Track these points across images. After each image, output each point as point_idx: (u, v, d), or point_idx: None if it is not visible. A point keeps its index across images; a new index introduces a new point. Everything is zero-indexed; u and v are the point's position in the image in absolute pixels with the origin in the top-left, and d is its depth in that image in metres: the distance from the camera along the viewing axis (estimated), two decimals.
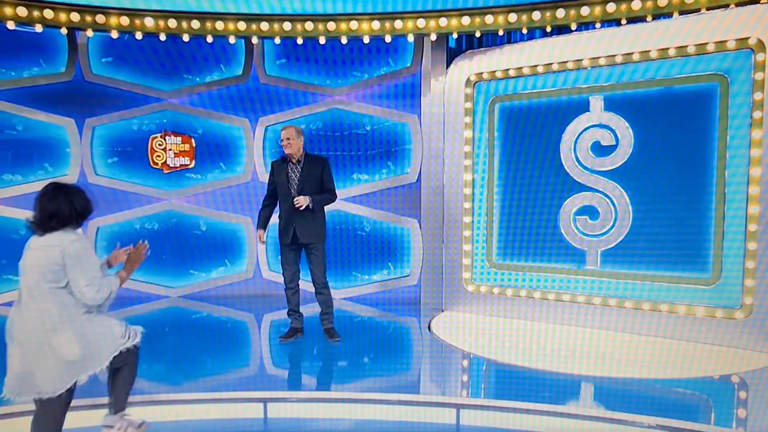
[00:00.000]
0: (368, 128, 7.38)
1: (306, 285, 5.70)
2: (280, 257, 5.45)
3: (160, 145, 7.43)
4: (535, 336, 5.72)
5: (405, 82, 7.28)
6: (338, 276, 7.49)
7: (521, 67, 6.11)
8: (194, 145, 7.48)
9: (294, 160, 5.26)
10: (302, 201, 5.08)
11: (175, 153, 7.45)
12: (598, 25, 5.82)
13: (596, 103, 5.73)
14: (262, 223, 5.43)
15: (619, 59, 5.58)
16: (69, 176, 7.24)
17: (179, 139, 7.48)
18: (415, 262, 7.41)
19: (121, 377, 3.36)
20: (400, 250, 7.51)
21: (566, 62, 5.86)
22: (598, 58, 5.68)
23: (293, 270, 5.41)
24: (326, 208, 5.36)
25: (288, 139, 5.19)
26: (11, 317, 3.08)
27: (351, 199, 7.38)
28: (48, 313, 2.98)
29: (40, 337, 2.98)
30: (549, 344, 5.47)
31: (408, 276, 7.48)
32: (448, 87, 6.56)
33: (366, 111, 7.37)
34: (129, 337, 3.27)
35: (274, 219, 5.50)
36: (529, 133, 6.14)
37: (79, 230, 3.17)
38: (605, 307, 5.77)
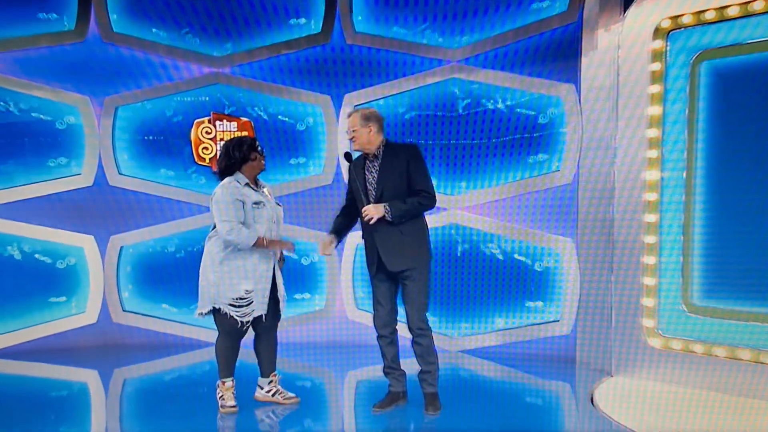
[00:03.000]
0: (500, 105, 6.99)
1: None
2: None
3: (208, 133, 7.27)
4: (764, 422, 5.03)
5: (558, 36, 6.74)
6: (453, 319, 7.23)
7: (747, 2, 5.31)
8: (255, 133, 7.26)
9: (371, 156, 5.11)
10: (372, 211, 4.88)
11: None
12: None
13: None
14: (334, 229, 5.34)
15: None
16: (82, 176, 7.10)
17: (234, 124, 7.31)
18: (568, 301, 6.84)
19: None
20: (546, 283, 7.00)
21: None
22: None
23: (386, 310, 5.22)
24: (428, 219, 5.15)
25: (353, 130, 5.03)
26: None
27: (472, 209, 7.07)
28: (207, 240, 4.92)
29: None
30: None
31: (558, 321, 6.93)
32: (624, 41, 6.04)
33: (497, 81, 6.96)
34: (240, 309, 4.75)
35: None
36: (756, 108, 5.42)
37: (240, 175, 4.80)
38: None
